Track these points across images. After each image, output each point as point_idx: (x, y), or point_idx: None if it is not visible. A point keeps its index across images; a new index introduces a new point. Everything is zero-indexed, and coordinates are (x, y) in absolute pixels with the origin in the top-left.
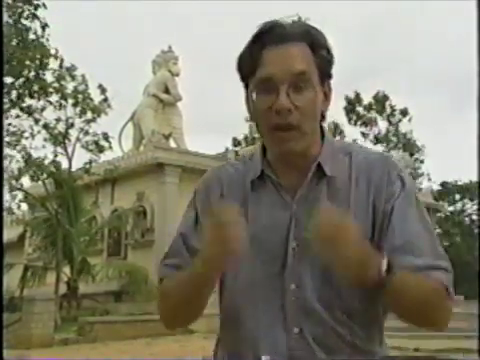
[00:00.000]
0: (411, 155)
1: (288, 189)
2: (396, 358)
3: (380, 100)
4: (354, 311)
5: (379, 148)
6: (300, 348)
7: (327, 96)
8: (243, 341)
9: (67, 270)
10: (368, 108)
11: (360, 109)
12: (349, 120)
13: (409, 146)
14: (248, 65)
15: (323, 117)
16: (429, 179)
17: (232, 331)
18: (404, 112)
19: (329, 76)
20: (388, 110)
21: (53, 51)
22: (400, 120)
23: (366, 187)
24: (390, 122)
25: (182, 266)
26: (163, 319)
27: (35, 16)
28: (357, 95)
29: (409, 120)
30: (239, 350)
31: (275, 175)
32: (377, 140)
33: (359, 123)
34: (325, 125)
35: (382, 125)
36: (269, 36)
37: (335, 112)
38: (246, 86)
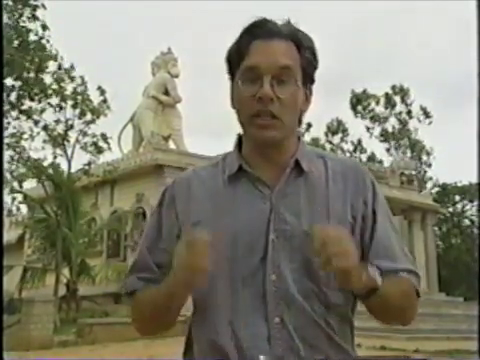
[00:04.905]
0: (419, 159)
1: (265, 183)
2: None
3: (397, 93)
4: (331, 304)
5: (385, 146)
6: (281, 338)
7: (308, 98)
8: (224, 333)
9: (67, 272)
10: (379, 100)
11: (371, 103)
12: (355, 114)
13: (418, 149)
14: (236, 55)
15: (300, 120)
16: (434, 184)
17: (210, 323)
18: (426, 113)
19: (312, 79)
20: (399, 108)
21: (53, 52)
22: (419, 120)
23: (343, 188)
24: (400, 120)
25: (152, 280)
26: (137, 328)
27: (34, 17)
28: (364, 91)
29: (430, 123)
30: (219, 342)
31: (252, 169)
32: (384, 138)
33: (367, 116)
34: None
35: (390, 123)
36: (259, 30)
37: (338, 111)
38: (232, 78)
